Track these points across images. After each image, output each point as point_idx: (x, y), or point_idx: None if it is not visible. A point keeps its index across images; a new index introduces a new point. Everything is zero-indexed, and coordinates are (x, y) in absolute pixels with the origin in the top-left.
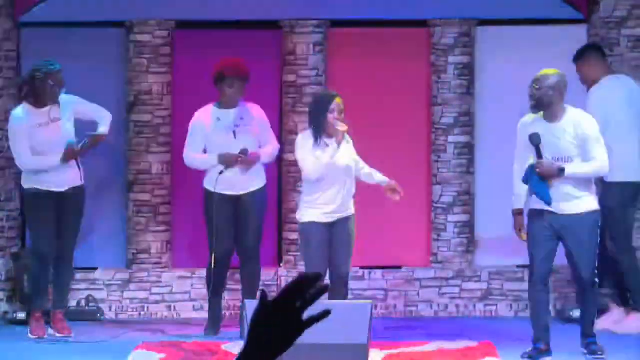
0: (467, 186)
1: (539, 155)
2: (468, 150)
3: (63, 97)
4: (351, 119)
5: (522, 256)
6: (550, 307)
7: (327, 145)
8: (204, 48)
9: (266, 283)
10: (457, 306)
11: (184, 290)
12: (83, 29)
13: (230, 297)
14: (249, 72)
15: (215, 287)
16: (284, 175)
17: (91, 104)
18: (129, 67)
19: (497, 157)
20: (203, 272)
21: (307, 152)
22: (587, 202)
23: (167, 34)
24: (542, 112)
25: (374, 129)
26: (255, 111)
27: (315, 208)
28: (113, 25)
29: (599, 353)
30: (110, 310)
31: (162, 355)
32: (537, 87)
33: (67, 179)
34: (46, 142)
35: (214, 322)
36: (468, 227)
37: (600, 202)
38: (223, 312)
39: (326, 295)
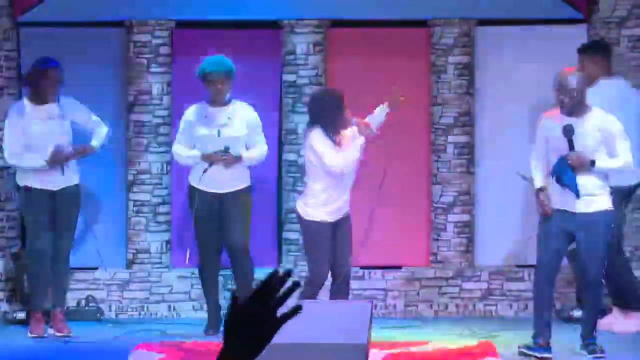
0: (467, 186)
1: (571, 147)
2: (468, 150)
3: (67, 99)
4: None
5: (522, 256)
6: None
7: (339, 143)
8: (203, 48)
9: None
10: (457, 306)
11: (184, 290)
12: (83, 29)
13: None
14: (231, 68)
15: (207, 286)
16: (284, 175)
17: (92, 115)
18: (129, 67)
19: (497, 157)
20: None
21: (328, 147)
22: (603, 202)
23: (167, 34)
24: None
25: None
26: (246, 112)
27: (323, 207)
28: (113, 25)
29: (599, 353)
30: (110, 310)
31: (162, 355)
32: (571, 94)
33: (61, 177)
34: (41, 138)
35: (214, 322)
36: (468, 227)
37: None
38: (223, 312)
39: (328, 294)
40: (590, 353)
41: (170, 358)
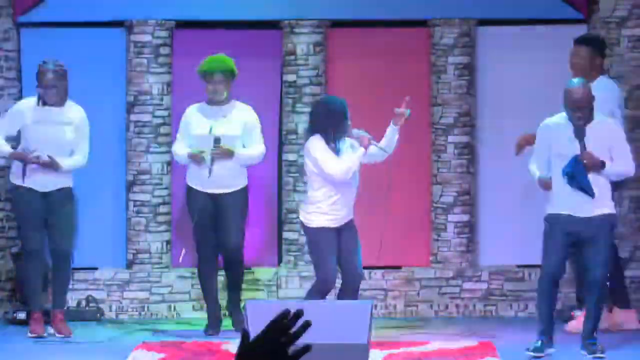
0: (467, 186)
1: (583, 147)
2: (468, 150)
3: (78, 110)
4: (351, 119)
5: (522, 256)
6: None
7: (339, 151)
8: (203, 48)
9: (266, 283)
10: (457, 306)
11: (184, 290)
12: (83, 29)
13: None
14: (232, 68)
15: (206, 286)
16: (284, 175)
17: (85, 140)
18: (129, 67)
19: (497, 157)
20: None
21: (328, 154)
22: (605, 206)
23: (167, 34)
24: (565, 112)
25: (374, 129)
26: (245, 113)
27: (325, 213)
28: (113, 25)
29: (599, 353)
30: (110, 310)
31: (162, 355)
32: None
33: (52, 179)
34: (36, 141)
35: (214, 322)
36: (468, 227)
37: None
38: (223, 312)
39: (333, 297)
40: (590, 353)
41: (170, 358)
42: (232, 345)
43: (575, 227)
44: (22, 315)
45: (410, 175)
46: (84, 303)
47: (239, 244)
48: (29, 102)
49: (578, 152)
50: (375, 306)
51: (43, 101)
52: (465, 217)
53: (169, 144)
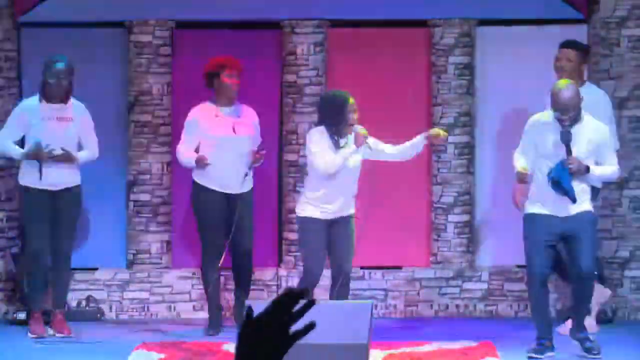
0: (467, 186)
1: (569, 152)
2: (468, 150)
3: (81, 107)
4: (356, 113)
5: (522, 256)
6: (550, 308)
7: (340, 145)
8: (204, 48)
9: (266, 283)
10: (457, 306)
11: (184, 290)
12: (83, 29)
13: (231, 297)
14: (242, 68)
15: (210, 286)
16: (284, 176)
17: (92, 133)
18: (129, 67)
19: (497, 157)
20: None
21: (323, 147)
22: (584, 205)
23: (167, 34)
24: (553, 113)
25: (374, 129)
26: (250, 113)
27: (315, 206)
28: (113, 25)
29: (595, 352)
30: (110, 310)
31: (162, 355)
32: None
33: (63, 178)
34: (45, 137)
35: (215, 322)
36: (468, 227)
37: None
38: (223, 312)
39: (327, 295)
40: (586, 351)
41: (170, 358)
42: (233, 346)
43: (555, 227)
44: (22, 316)
45: (410, 175)
46: (84, 303)
47: (251, 246)
48: (31, 101)
49: (564, 156)
50: (375, 306)
51: (46, 98)
52: (465, 217)
53: (170, 144)
